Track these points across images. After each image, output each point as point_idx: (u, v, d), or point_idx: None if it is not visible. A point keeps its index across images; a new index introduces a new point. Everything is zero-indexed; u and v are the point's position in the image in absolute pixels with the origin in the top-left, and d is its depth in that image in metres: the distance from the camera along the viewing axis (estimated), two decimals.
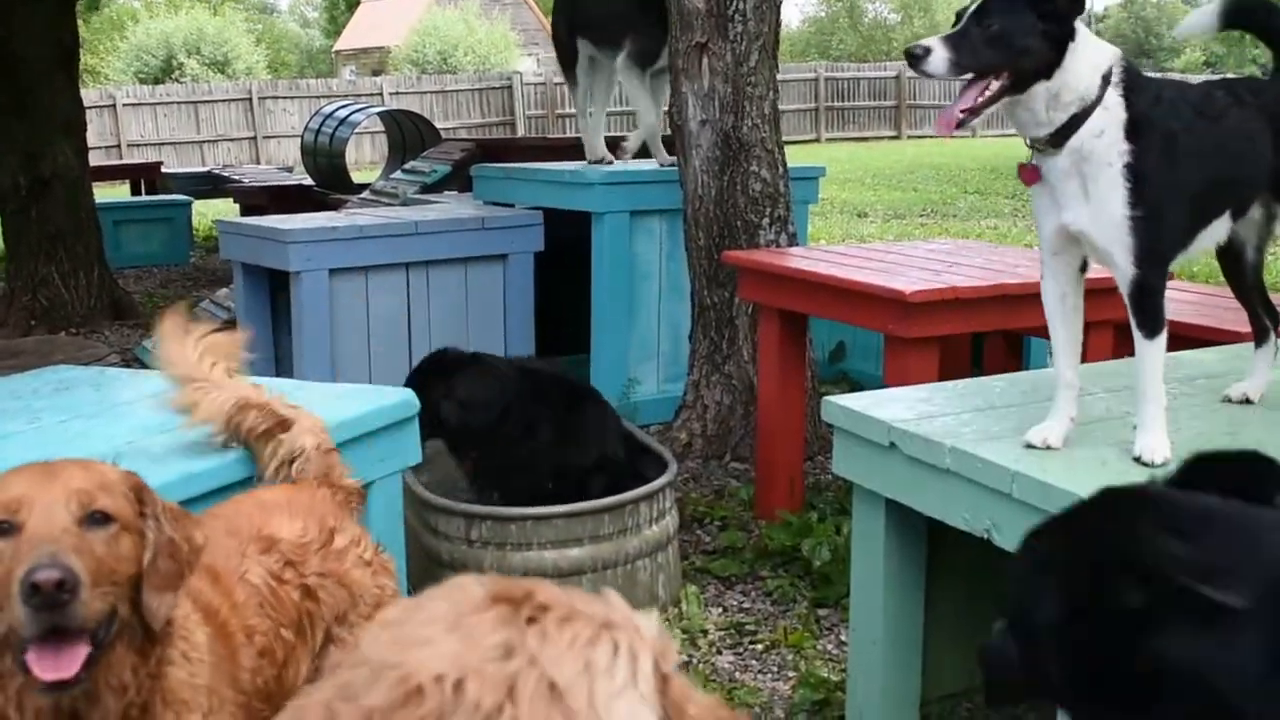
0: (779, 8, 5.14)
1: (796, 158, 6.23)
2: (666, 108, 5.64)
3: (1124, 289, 2.47)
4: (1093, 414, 2.76)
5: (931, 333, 3.87)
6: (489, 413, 3.98)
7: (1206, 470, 1.55)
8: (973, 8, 2.37)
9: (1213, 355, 3.36)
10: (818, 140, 32.62)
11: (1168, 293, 4.99)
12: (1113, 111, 2.39)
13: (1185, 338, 4.10)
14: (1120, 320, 4.16)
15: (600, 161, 6.14)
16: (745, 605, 3.96)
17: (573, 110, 6.61)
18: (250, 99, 28.60)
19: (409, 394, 3.01)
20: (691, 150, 5.11)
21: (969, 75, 2.38)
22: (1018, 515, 2.38)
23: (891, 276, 4.05)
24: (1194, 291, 4.97)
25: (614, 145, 6.50)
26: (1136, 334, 2.49)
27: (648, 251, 5.79)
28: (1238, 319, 4.28)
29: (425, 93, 29.90)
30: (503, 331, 6.03)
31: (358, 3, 52.36)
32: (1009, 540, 2.43)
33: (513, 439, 4.01)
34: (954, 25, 2.38)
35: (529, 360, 4.63)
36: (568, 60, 6.30)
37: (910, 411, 2.79)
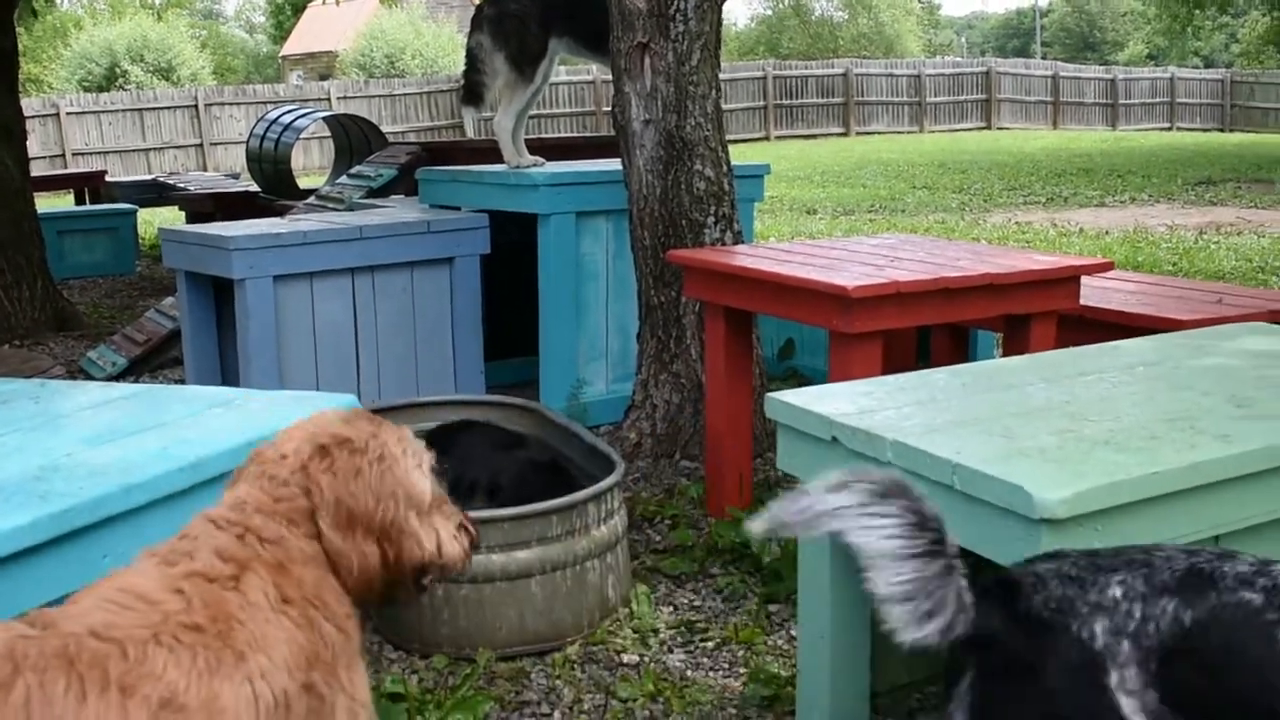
0: (720, 7, 5.14)
1: (746, 155, 6.26)
2: (609, 108, 5.62)
3: None
4: (1033, 404, 2.78)
5: (874, 327, 3.88)
6: None
7: None
8: None
9: (1150, 343, 3.39)
10: (767, 138, 32.79)
11: (1109, 282, 5.04)
12: None
13: (1126, 326, 4.15)
14: (1063, 311, 4.22)
15: (534, 165, 6.14)
16: (696, 603, 3.96)
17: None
18: (196, 106, 28.39)
19: (351, 399, 2.98)
20: (635, 150, 5.11)
21: None
22: (960, 507, 2.39)
23: (834, 272, 4.06)
24: (1135, 281, 5.02)
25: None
26: None
27: (594, 252, 5.79)
28: (1177, 307, 4.35)
29: (373, 97, 29.81)
30: (450, 335, 6.00)
31: (304, 7, 52.04)
32: (952, 532, 2.44)
33: None
34: None
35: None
36: (532, 57, 6.05)
37: (851, 405, 2.79)
